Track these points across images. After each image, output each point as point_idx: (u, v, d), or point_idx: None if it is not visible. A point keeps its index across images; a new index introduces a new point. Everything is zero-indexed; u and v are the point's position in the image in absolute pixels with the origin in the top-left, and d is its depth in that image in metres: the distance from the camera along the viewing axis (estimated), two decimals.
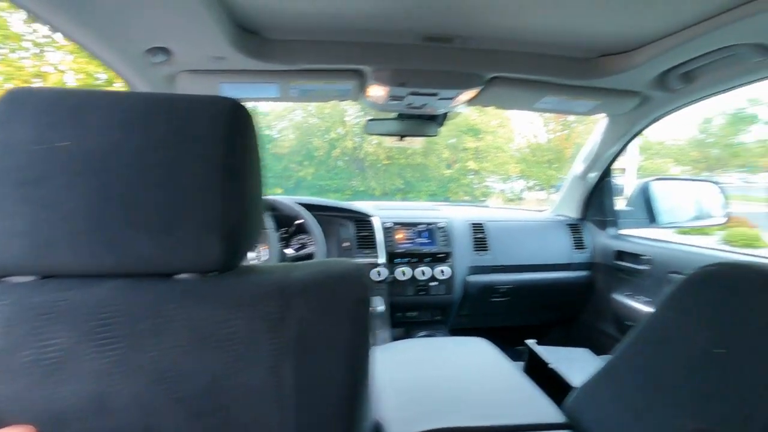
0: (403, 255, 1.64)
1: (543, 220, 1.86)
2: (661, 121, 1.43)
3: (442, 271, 1.63)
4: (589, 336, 1.81)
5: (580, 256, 1.77)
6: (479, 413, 0.83)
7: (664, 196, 1.68)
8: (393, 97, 1.24)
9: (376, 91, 1.21)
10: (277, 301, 0.43)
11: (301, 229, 1.44)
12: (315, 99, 1.34)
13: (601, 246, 1.76)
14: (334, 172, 9.93)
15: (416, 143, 1.65)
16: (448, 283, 1.65)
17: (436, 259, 1.65)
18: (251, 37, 1.00)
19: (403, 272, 1.61)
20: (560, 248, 1.77)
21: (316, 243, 1.39)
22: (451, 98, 1.26)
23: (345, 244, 1.62)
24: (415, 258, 1.64)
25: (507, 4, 0.89)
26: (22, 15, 4.32)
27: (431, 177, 9.86)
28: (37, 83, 4.82)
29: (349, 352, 0.45)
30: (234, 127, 0.43)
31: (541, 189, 9.56)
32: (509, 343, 1.45)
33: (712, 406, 0.50)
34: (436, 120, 1.53)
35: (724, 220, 1.58)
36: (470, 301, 1.72)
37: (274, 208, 1.43)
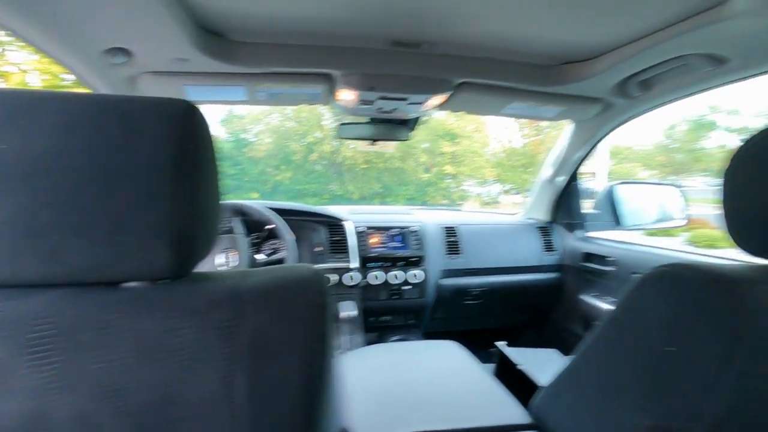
0: (376, 259, 1.63)
1: (514, 223, 1.90)
2: (628, 126, 1.48)
3: (415, 275, 1.63)
4: (559, 337, 1.84)
5: (549, 258, 1.81)
6: (447, 417, 0.83)
7: (628, 199, 1.73)
8: (363, 102, 1.24)
9: (346, 95, 1.21)
10: (229, 309, 0.42)
11: (273, 234, 1.43)
12: (284, 102, 1.33)
13: (570, 248, 1.80)
14: (312, 176, 9.86)
15: (389, 147, 1.66)
16: (421, 286, 1.65)
17: (409, 263, 1.66)
18: (215, 38, 0.98)
19: (376, 276, 1.60)
20: (531, 251, 1.81)
21: (287, 248, 1.38)
22: (420, 103, 1.27)
23: (317, 249, 1.60)
24: (388, 262, 1.64)
25: (472, 12, 0.90)
26: None
27: (409, 181, 9.91)
28: None
29: (306, 360, 0.44)
30: (186, 129, 0.42)
31: (517, 192, 9.75)
32: (482, 345, 1.47)
33: (664, 403, 0.51)
34: (408, 124, 1.54)
35: (684, 221, 1.65)
36: (443, 305, 1.73)
37: (243, 213, 1.40)
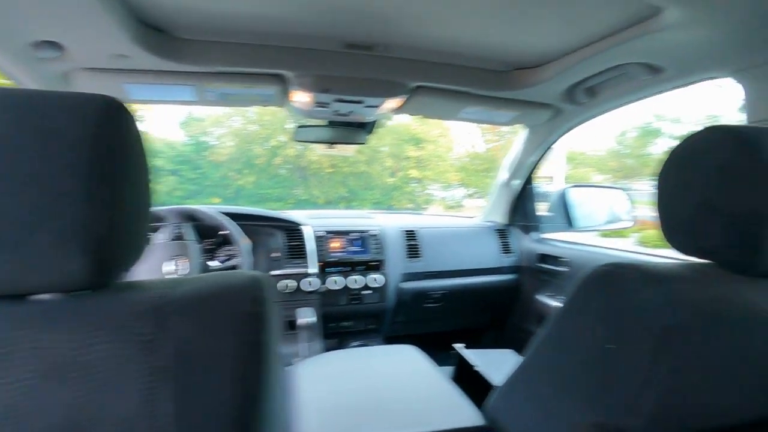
0: (335, 264, 1.61)
1: (473, 226, 1.93)
2: (583, 133, 1.54)
3: (375, 279, 1.62)
4: (518, 337, 1.88)
5: (507, 260, 1.85)
6: (401, 423, 0.82)
7: (579, 201, 1.80)
8: (318, 104, 1.23)
9: (301, 97, 1.19)
10: (151, 321, 0.39)
11: (227, 240, 1.38)
12: (236, 103, 1.29)
13: (526, 250, 1.85)
14: (276, 180, 9.67)
15: (348, 151, 1.65)
16: (381, 291, 1.64)
17: (369, 267, 1.64)
18: (157, 35, 0.93)
19: (335, 281, 1.58)
20: (489, 253, 1.84)
21: (241, 254, 1.33)
22: (377, 106, 1.26)
23: (274, 255, 1.56)
24: (348, 267, 1.62)
25: (424, 16, 0.91)
26: None
27: (375, 185, 9.91)
28: None
29: (238, 373, 0.41)
30: (107, 127, 0.39)
31: (480, 196, 9.96)
32: (443, 348, 1.47)
33: (606, 399, 0.52)
34: (366, 128, 1.53)
35: (631, 223, 1.73)
36: (404, 308, 1.72)
37: (194, 219, 1.35)
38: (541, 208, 1.89)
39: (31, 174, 0.35)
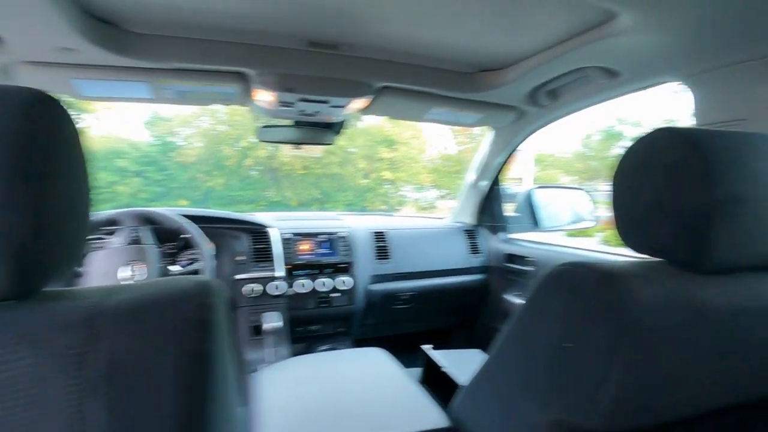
0: (303, 267, 1.58)
1: (442, 227, 1.94)
2: (550, 135, 1.58)
3: (344, 282, 1.60)
4: (486, 336, 1.90)
5: (476, 260, 1.86)
6: (365, 427, 0.81)
7: (545, 202, 1.84)
8: (283, 103, 1.20)
9: (264, 96, 1.16)
10: (81, 332, 0.36)
11: (189, 244, 1.33)
12: (196, 102, 1.25)
13: (494, 250, 1.87)
14: (247, 182, 9.48)
15: (316, 152, 1.62)
16: (350, 293, 1.63)
17: (338, 269, 1.62)
18: (107, 28, 0.88)
19: (302, 285, 1.55)
20: (458, 253, 1.85)
21: (203, 258, 1.29)
22: (343, 106, 1.25)
23: (239, 258, 1.52)
24: (316, 269, 1.59)
25: (388, 16, 0.90)
26: None
27: (348, 187, 9.87)
28: None
29: (181, 384, 0.39)
30: (32, 122, 0.35)
31: (453, 198, 10.07)
32: (413, 349, 1.47)
33: (564, 398, 0.53)
34: (333, 128, 1.51)
35: (593, 223, 1.79)
36: (374, 310, 1.71)
37: (153, 222, 1.29)
38: (509, 209, 1.92)
39: None
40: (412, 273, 1.75)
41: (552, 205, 1.86)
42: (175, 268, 1.30)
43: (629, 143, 0.57)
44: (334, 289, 1.60)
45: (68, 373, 0.35)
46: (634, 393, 0.49)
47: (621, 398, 0.48)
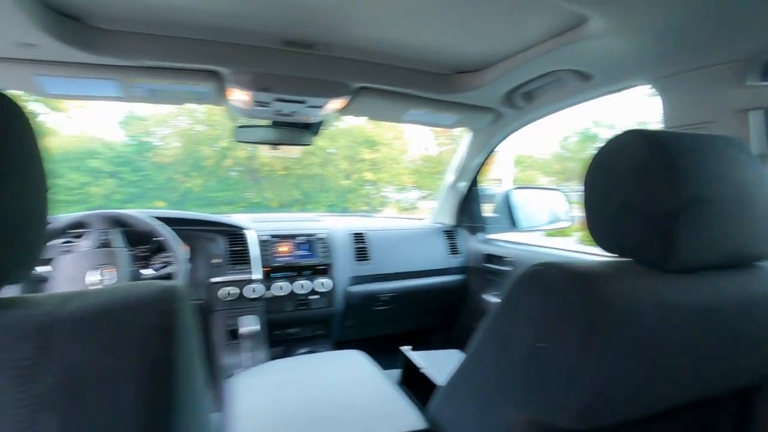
0: (281, 269, 1.56)
1: (422, 227, 1.94)
2: (529, 136, 1.60)
3: (323, 284, 1.58)
4: (466, 336, 1.91)
5: (455, 261, 1.87)
6: (342, 430, 0.80)
7: (523, 203, 1.86)
8: (258, 103, 1.18)
9: (239, 96, 1.13)
10: (32, 343, 0.34)
11: (163, 247, 1.29)
12: (168, 101, 1.21)
13: (473, 250, 1.88)
14: (226, 183, 9.32)
15: (293, 152, 1.60)
16: (329, 295, 1.61)
17: (317, 271, 1.60)
18: (71, 23, 0.85)
19: (280, 287, 1.52)
20: (437, 254, 1.85)
21: (177, 261, 1.25)
22: (320, 106, 1.24)
23: (215, 261, 1.48)
24: (294, 272, 1.57)
25: (364, 16, 0.89)
26: None
27: (330, 188, 9.82)
28: None
29: (142, 394, 0.37)
30: None
31: (434, 198, 10.12)
32: (393, 351, 1.46)
33: (537, 397, 0.53)
34: (311, 128, 1.50)
35: (569, 223, 1.82)
36: (353, 312, 1.70)
37: (123, 224, 1.25)
38: (487, 210, 1.94)
39: None
40: (391, 274, 1.75)
41: (529, 206, 1.88)
42: (147, 272, 1.27)
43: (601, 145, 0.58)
44: (313, 291, 1.58)
45: (19, 385, 0.33)
46: (605, 391, 0.50)
47: (592, 397, 0.49)
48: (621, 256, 0.56)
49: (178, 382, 0.40)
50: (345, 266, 1.66)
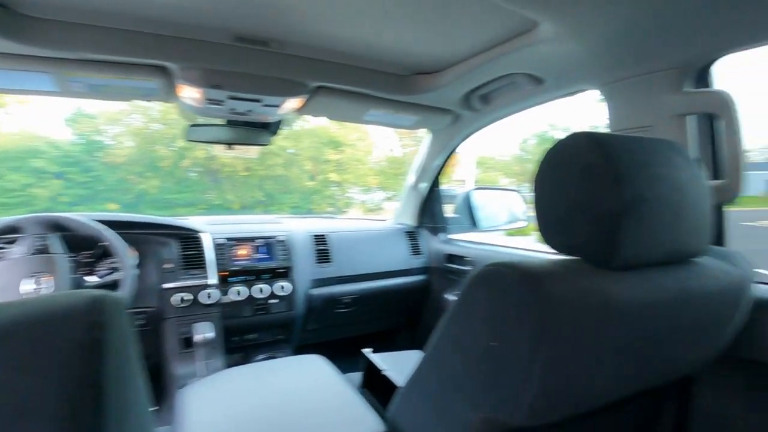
0: (238, 273, 1.50)
1: (384, 228, 1.93)
2: (490, 138, 1.63)
3: (283, 287, 1.54)
4: (429, 336, 1.92)
5: (417, 261, 1.88)
6: None
7: (482, 203, 1.90)
8: (211, 101, 1.13)
9: (189, 93, 1.08)
10: None
11: (109, 252, 1.21)
12: (112, 97, 1.14)
13: (435, 250, 1.90)
14: (185, 184, 8.97)
15: (251, 152, 1.55)
16: (289, 299, 1.57)
17: (276, 274, 1.56)
18: None
19: (238, 292, 1.47)
20: (400, 255, 1.86)
21: (124, 267, 1.18)
22: (277, 105, 1.20)
23: (167, 266, 1.41)
24: (252, 275, 1.52)
25: (318, 14, 0.88)
26: None
27: (294, 189, 9.67)
28: None
29: (64, 415, 0.34)
30: None
31: (399, 199, 10.19)
32: (357, 353, 1.45)
33: (492, 396, 0.53)
34: (269, 128, 1.46)
35: (526, 223, 1.88)
36: (315, 315, 1.67)
37: (63, 228, 1.16)
38: (449, 210, 1.96)
39: None
40: (354, 276, 1.73)
41: (489, 206, 1.92)
42: (92, 279, 1.19)
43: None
44: (273, 295, 1.54)
45: None
46: (555, 388, 0.50)
47: (543, 394, 0.49)
48: (569, 255, 0.58)
49: (108, 401, 0.37)
50: (306, 269, 1.62)
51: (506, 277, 0.52)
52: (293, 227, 1.69)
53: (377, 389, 1.02)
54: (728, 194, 0.83)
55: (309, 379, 1.02)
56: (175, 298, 1.37)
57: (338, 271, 1.70)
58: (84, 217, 1.21)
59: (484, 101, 1.31)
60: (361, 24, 0.92)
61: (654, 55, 0.88)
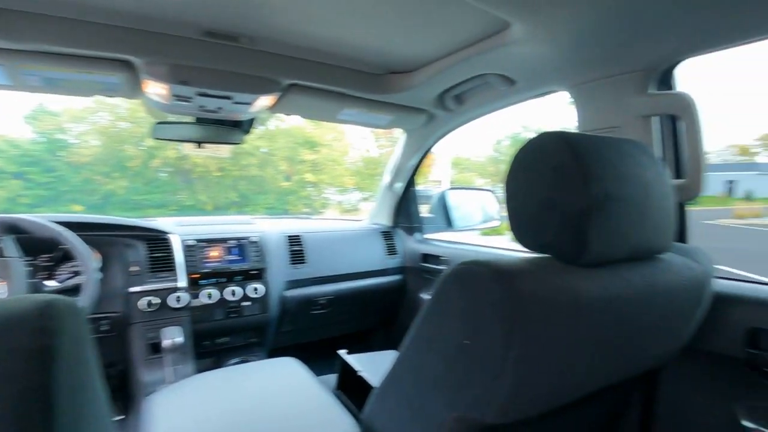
0: (209, 275, 1.46)
1: (359, 229, 1.92)
2: (465, 139, 1.64)
3: (256, 289, 1.51)
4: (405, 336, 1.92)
5: (392, 261, 1.88)
6: None
7: (457, 203, 1.91)
8: (178, 97, 1.09)
9: (155, 89, 1.04)
10: None
11: (70, 255, 1.15)
12: (71, 92, 1.08)
13: (410, 250, 1.90)
14: (155, 185, 8.72)
15: (222, 152, 1.51)
16: (262, 301, 1.53)
17: (249, 276, 1.52)
18: None
19: (209, 295, 1.43)
20: (375, 255, 1.85)
21: (86, 271, 1.13)
22: (248, 103, 1.17)
23: (133, 269, 1.36)
24: (224, 278, 1.48)
25: (290, 10, 0.86)
26: None
27: (269, 189, 9.53)
28: None
29: (8, 424, 0.32)
30: None
31: (375, 200, 10.20)
32: (333, 354, 1.43)
33: (465, 394, 0.53)
34: (241, 126, 1.42)
35: (500, 222, 1.90)
36: (290, 317, 1.64)
37: (18, 230, 1.10)
38: (424, 210, 1.97)
39: None
40: (329, 277, 1.71)
41: (464, 206, 1.94)
42: (51, 284, 1.13)
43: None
44: (245, 298, 1.50)
45: None
46: (526, 385, 0.51)
47: (515, 391, 0.50)
48: (541, 253, 0.58)
49: (60, 411, 0.34)
50: (279, 270, 1.59)
51: (478, 275, 0.52)
52: (267, 228, 1.66)
53: (353, 391, 1.01)
54: (690, 193, 0.86)
55: (282, 382, 1.00)
56: (142, 302, 1.32)
57: (313, 272, 1.67)
58: (42, 218, 1.14)
59: (458, 101, 1.32)
60: (333, 21, 0.91)
61: (620, 58, 0.90)
